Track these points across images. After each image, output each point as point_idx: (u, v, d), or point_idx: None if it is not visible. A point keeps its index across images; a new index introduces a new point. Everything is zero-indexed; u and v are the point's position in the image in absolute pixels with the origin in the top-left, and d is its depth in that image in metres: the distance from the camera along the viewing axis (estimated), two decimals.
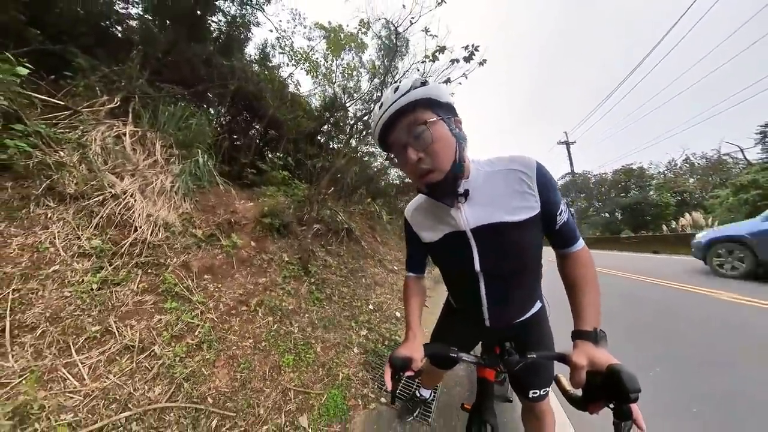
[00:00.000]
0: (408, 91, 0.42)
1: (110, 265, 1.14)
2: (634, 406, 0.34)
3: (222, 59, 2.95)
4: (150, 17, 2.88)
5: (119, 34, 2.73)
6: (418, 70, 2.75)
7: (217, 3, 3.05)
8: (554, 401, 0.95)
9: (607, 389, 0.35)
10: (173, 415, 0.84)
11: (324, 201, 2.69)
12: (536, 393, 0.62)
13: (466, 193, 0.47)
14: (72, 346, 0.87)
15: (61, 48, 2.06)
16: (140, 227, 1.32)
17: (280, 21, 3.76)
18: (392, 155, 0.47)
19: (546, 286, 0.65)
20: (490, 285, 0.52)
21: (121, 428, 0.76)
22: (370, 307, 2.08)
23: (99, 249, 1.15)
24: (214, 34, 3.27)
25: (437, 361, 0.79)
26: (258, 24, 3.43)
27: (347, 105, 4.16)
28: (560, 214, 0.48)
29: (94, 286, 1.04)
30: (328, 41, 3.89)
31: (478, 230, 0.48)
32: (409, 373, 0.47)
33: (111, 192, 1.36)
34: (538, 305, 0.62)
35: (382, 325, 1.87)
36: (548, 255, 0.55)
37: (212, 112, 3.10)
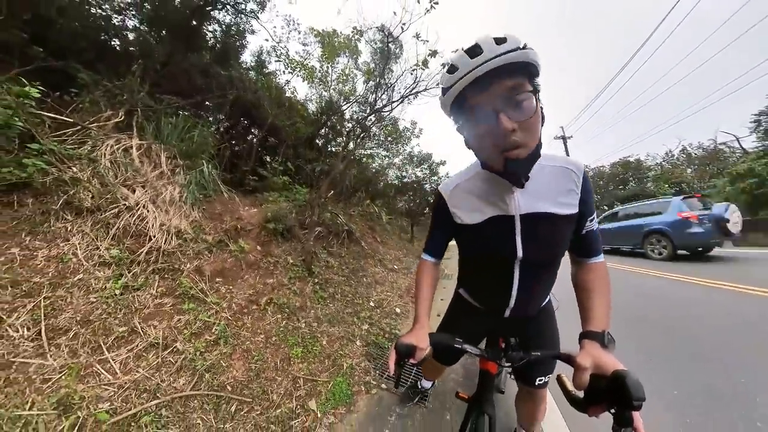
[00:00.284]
0: (517, 48, 0.35)
1: (129, 272, 1.23)
2: (635, 414, 0.32)
3: (219, 68, 3.01)
4: (147, 29, 2.93)
5: (118, 47, 2.79)
6: (411, 73, 2.81)
7: (211, 12, 3.10)
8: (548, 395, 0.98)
9: (610, 394, 0.34)
10: (197, 402, 0.95)
11: (324, 204, 2.77)
12: (542, 380, 0.64)
13: (527, 179, 0.45)
14: (103, 345, 0.97)
15: (63, 64, 2.13)
16: (154, 236, 1.41)
17: (275, 27, 3.79)
18: (467, 118, 0.41)
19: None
20: (524, 273, 0.52)
21: (152, 414, 0.86)
22: (371, 304, 2.18)
23: (118, 258, 1.25)
24: (210, 43, 3.32)
25: (440, 356, 0.78)
26: (253, 32, 3.49)
27: (343, 108, 4.22)
28: (591, 221, 0.49)
29: (117, 292, 1.14)
30: (322, 46, 3.94)
31: (526, 217, 0.48)
32: (412, 361, 0.47)
33: (125, 204, 1.45)
34: (548, 298, 0.64)
35: (383, 321, 1.97)
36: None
37: (211, 121, 3.16)
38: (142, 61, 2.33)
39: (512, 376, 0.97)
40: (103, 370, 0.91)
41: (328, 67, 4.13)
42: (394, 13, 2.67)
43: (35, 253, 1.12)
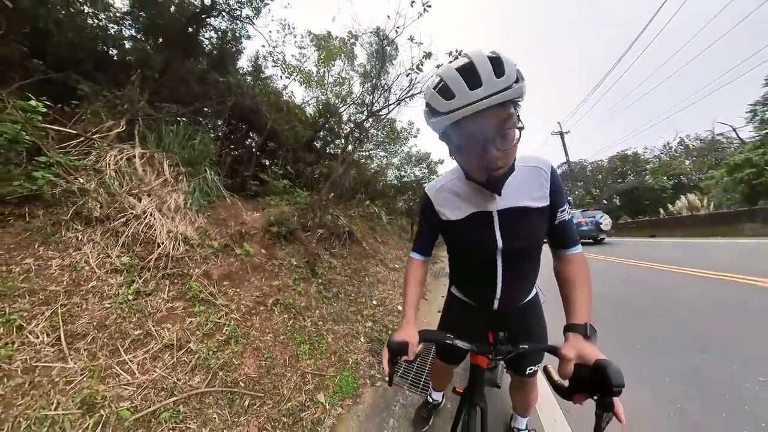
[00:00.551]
0: (513, 84, 0.37)
1: (140, 279, 1.28)
2: (616, 400, 0.35)
3: (217, 75, 3.04)
4: (143, 38, 2.95)
5: (116, 57, 2.81)
6: (407, 76, 2.85)
7: (207, 19, 3.12)
8: (543, 384, 1.03)
9: (592, 382, 0.36)
10: (212, 398, 1.00)
11: (326, 207, 2.81)
12: (532, 369, 0.69)
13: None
14: (120, 348, 1.01)
15: (63, 76, 2.15)
16: (162, 243, 1.45)
17: (270, 32, 3.82)
18: (456, 138, 0.43)
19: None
20: (506, 263, 0.56)
21: (171, 410, 0.91)
22: (374, 302, 2.23)
23: (129, 265, 1.29)
24: (207, 50, 3.34)
25: (443, 355, 0.79)
26: (249, 37, 3.51)
27: (341, 110, 4.25)
28: (561, 212, 0.53)
29: (130, 297, 1.18)
30: (318, 50, 3.97)
31: (504, 212, 0.53)
32: (406, 358, 0.49)
33: (132, 213, 1.49)
34: (534, 291, 0.68)
35: (385, 318, 2.03)
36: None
37: (211, 127, 3.19)
38: (140, 70, 2.36)
39: (507, 370, 1.01)
40: (122, 371, 0.96)
41: (324, 71, 4.16)
42: (388, 17, 2.71)
43: (49, 263, 1.16)
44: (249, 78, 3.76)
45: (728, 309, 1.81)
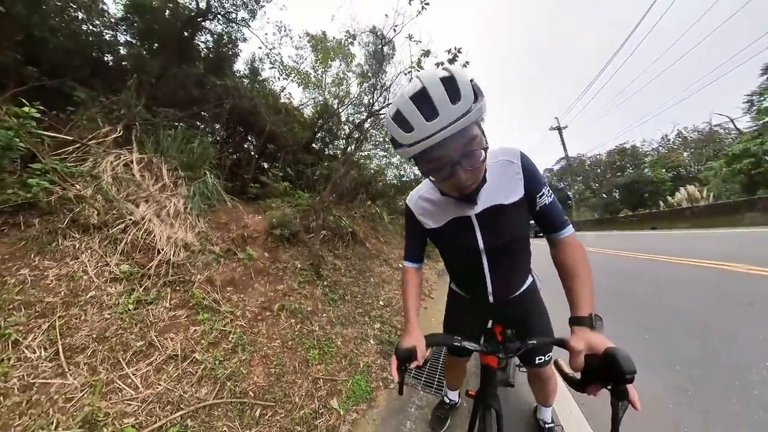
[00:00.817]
0: (470, 108, 0.36)
1: (141, 287, 1.23)
2: (630, 387, 0.34)
3: (214, 78, 3.01)
4: (139, 43, 2.93)
5: (111, 63, 2.78)
6: (406, 75, 2.83)
7: (203, 23, 3.10)
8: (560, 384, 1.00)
9: (604, 371, 0.36)
10: (221, 410, 0.95)
11: (328, 208, 2.78)
12: (541, 359, 0.69)
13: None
14: (122, 361, 0.97)
15: (58, 82, 2.12)
16: (162, 249, 1.41)
17: (266, 35, 3.81)
18: (425, 165, 0.43)
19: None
20: (492, 260, 0.58)
21: (178, 425, 0.86)
22: (381, 303, 2.19)
23: (128, 273, 1.25)
24: (203, 54, 3.32)
25: (453, 350, 0.80)
26: (245, 40, 3.49)
27: (339, 111, 4.23)
28: (540, 197, 0.53)
29: (131, 307, 1.14)
30: (315, 51, 3.96)
31: (481, 213, 0.54)
32: (415, 364, 0.48)
33: (131, 219, 1.45)
34: (530, 279, 0.70)
35: (393, 318, 1.99)
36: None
37: (209, 131, 3.16)
38: (136, 76, 2.33)
39: (521, 368, 0.99)
40: (124, 386, 0.91)
41: (322, 72, 4.15)
42: (386, 15, 2.70)
43: (46, 273, 1.12)
44: (246, 81, 3.74)
45: (729, 297, 1.82)
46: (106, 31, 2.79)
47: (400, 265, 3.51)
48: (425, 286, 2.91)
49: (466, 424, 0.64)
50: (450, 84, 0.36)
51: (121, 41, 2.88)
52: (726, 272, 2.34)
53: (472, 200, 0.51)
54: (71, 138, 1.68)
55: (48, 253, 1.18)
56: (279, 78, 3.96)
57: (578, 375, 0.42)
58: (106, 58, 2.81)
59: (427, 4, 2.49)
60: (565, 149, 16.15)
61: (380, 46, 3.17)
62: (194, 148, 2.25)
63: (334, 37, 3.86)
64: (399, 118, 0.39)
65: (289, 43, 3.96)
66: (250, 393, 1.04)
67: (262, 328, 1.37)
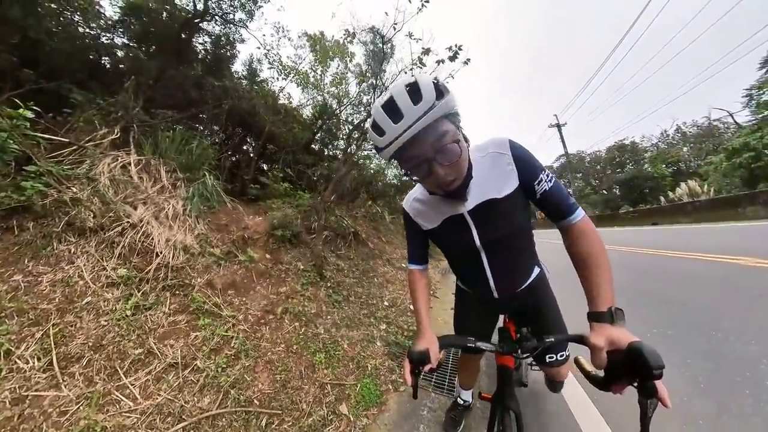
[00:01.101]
0: (433, 105, 0.38)
1: (139, 291, 1.19)
2: (658, 383, 0.32)
3: (212, 79, 2.99)
4: (136, 45, 2.91)
5: (109, 65, 2.76)
6: (406, 73, 2.81)
7: (200, 25, 3.08)
8: (575, 385, 1.02)
9: (629, 368, 0.34)
10: (225, 420, 0.90)
11: (329, 208, 2.75)
12: (552, 357, 0.66)
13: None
14: (119, 370, 0.92)
15: (55, 85, 2.09)
16: (161, 252, 1.36)
17: (264, 36, 3.79)
18: (406, 167, 0.45)
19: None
20: (491, 257, 0.57)
21: None
22: (386, 303, 2.15)
23: (126, 277, 1.20)
24: (201, 55, 3.31)
25: (466, 347, 0.80)
26: (243, 41, 3.48)
27: (338, 111, 4.21)
28: (539, 184, 0.50)
29: (128, 313, 1.09)
30: (314, 51, 3.94)
31: (474, 210, 0.53)
32: (429, 367, 0.48)
33: (128, 222, 1.40)
34: (537, 270, 0.67)
35: (399, 319, 1.94)
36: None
37: (208, 132, 3.13)
38: (134, 78, 2.30)
39: (533, 367, 0.97)
40: (122, 397, 0.86)
41: (321, 71, 4.13)
42: (386, 13, 2.67)
43: (40, 279, 1.07)
44: (245, 82, 3.73)
45: (738, 290, 1.80)
46: (104, 33, 2.77)
47: (404, 265, 3.53)
48: (430, 285, 2.86)
49: (481, 425, 0.64)
50: (413, 88, 0.40)
51: (119, 43, 2.87)
52: (733, 266, 2.31)
53: (460, 197, 0.50)
54: (67, 140, 1.64)
55: (42, 258, 1.14)
56: (278, 78, 3.95)
57: (601, 373, 0.39)
58: (103, 61, 2.79)
59: (427, 1, 2.47)
60: (564, 146, 16.17)
61: (380, 44, 3.15)
62: (193, 149, 2.22)
63: (333, 36, 3.85)
64: (374, 126, 0.43)
65: (288, 44, 3.95)
66: (256, 401, 0.99)
67: (265, 332, 1.32)
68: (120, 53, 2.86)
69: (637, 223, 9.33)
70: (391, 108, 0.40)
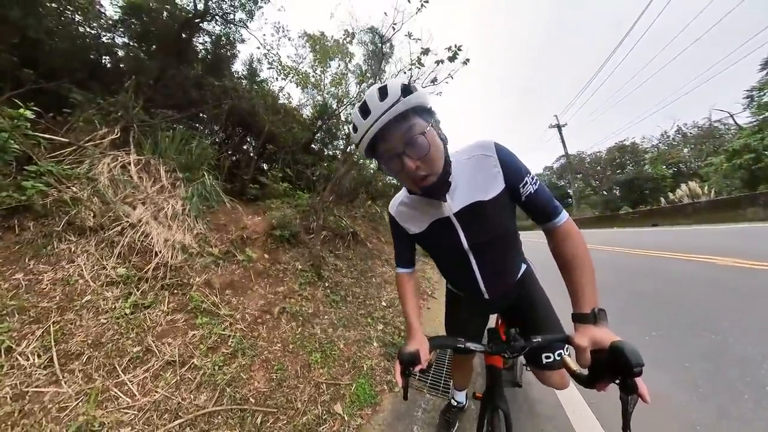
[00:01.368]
0: (398, 100, 0.41)
1: (138, 290, 1.20)
2: (638, 380, 0.34)
3: (212, 79, 3.00)
4: (137, 45, 2.92)
5: (109, 65, 2.77)
6: (405, 73, 2.81)
7: (201, 24, 3.09)
8: (570, 387, 0.96)
9: (611, 366, 0.36)
10: (221, 418, 0.92)
11: (328, 208, 2.76)
12: (549, 358, 0.65)
13: (449, 185, 0.51)
14: (118, 367, 0.94)
15: (55, 85, 2.11)
16: (160, 252, 1.38)
17: (264, 35, 3.80)
18: (381, 163, 0.47)
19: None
20: (479, 258, 0.58)
21: None
22: (383, 304, 2.16)
23: (125, 276, 1.22)
24: (201, 55, 3.31)
25: (457, 348, 0.81)
26: (243, 41, 3.48)
27: (338, 111, 4.22)
28: (524, 186, 0.50)
29: (127, 311, 1.11)
30: (314, 51, 3.94)
31: (460, 212, 0.53)
32: (420, 367, 0.48)
33: (128, 221, 1.42)
34: (524, 267, 0.69)
35: (396, 319, 1.95)
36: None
37: (208, 132, 3.14)
38: (134, 77, 2.32)
39: (527, 368, 0.96)
40: (120, 393, 0.88)
41: (321, 71, 4.14)
42: (385, 13, 2.68)
43: (40, 277, 1.09)
44: (245, 81, 3.73)
45: (737, 292, 1.80)
46: (104, 33, 2.78)
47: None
48: (428, 286, 2.87)
49: (475, 427, 0.63)
50: (382, 90, 0.43)
51: (119, 43, 2.87)
52: (733, 268, 2.31)
53: (437, 196, 0.50)
54: (67, 140, 1.66)
55: (43, 257, 1.16)
56: (277, 78, 3.96)
57: (585, 371, 0.41)
58: (103, 61, 2.80)
59: (427, 1, 2.47)
60: (564, 147, 16.15)
61: (379, 44, 3.15)
62: (193, 149, 2.23)
63: (332, 36, 3.86)
64: (352, 126, 0.48)
65: (288, 44, 3.95)
66: (251, 399, 1.01)
67: (262, 331, 1.34)
68: (120, 53, 2.88)
69: (637, 224, 9.30)
70: (363, 108, 0.44)
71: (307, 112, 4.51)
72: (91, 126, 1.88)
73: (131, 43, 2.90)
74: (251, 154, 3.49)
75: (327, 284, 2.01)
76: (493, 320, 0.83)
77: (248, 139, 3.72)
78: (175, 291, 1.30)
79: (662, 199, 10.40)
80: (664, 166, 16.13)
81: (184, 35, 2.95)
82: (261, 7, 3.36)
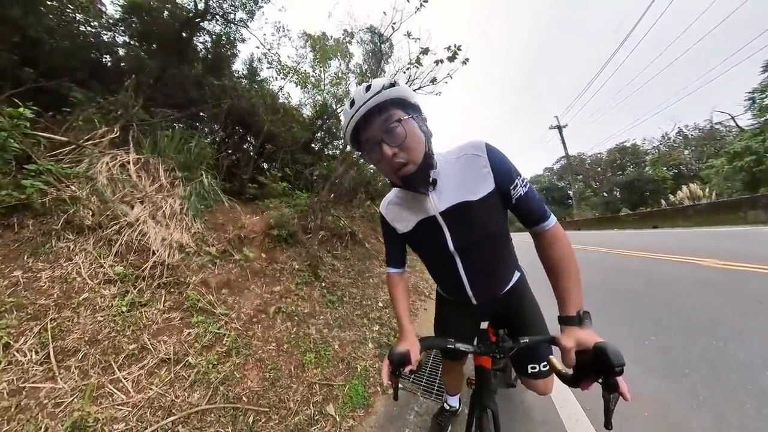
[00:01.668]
0: (379, 91, 0.44)
1: (135, 289, 1.22)
2: (620, 379, 0.35)
3: (212, 79, 3.01)
4: (137, 44, 2.93)
5: (109, 64, 2.79)
6: (404, 72, 2.81)
7: (201, 24, 3.10)
8: (565, 388, 0.97)
9: (595, 366, 0.37)
10: (213, 416, 0.93)
11: (327, 208, 2.76)
12: (535, 368, 0.65)
13: (434, 182, 0.52)
14: (113, 364, 0.95)
15: (55, 84, 2.12)
16: (157, 251, 1.39)
17: (264, 35, 3.81)
18: (365, 152, 0.50)
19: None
20: (465, 261, 0.57)
21: (169, 431, 0.85)
22: (380, 304, 2.16)
23: (122, 274, 1.23)
24: (201, 54, 3.32)
25: (446, 354, 0.80)
26: (243, 40, 3.49)
27: (338, 111, 4.22)
28: (514, 188, 0.50)
29: (124, 309, 1.12)
30: (314, 51, 3.95)
31: (447, 212, 0.53)
32: (410, 368, 0.49)
33: (126, 220, 1.43)
34: (517, 275, 0.67)
35: (393, 321, 1.96)
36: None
37: (208, 131, 3.15)
38: (134, 76, 2.33)
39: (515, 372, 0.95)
40: (115, 390, 0.89)
41: (320, 71, 4.15)
42: (384, 13, 2.68)
43: (39, 275, 1.10)
44: (245, 81, 3.74)
45: (739, 296, 1.78)
46: (104, 32, 2.79)
47: None
48: (425, 287, 2.88)
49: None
50: (368, 86, 0.47)
51: (120, 42, 2.89)
52: (734, 271, 2.29)
53: (415, 187, 0.51)
54: (67, 139, 1.67)
55: (42, 255, 1.17)
56: (277, 78, 3.97)
57: (570, 371, 0.43)
58: (104, 59, 2.81)
59: (426, 0, 2.47)
60: (565, 148, 16.10)
61: (378, 44, 3.15)
62: (192, 148, 2.24)
63: (332, 36, 3.86)
64: (342, 120, 0.51)
65: (288, 44, 3.96)
66: (244, 398, 1.02)
67: (257, 330, 1.35)
68: (121, 52, 2.89)
69: (638, 225, 9.24)
70: (351, 101, 0.48)
71: (307, 111, 4.51)
72: (91, 125, 1.89)
73: (132, 42, 2.92)
74: (250, 154, 3.50)
75: (324, 284, 2.02)
76: (484, 323, 0.82)
77: (248, 139, 3.73)
78: (172, 290, 1.31)
79: (663, 201, 10.38)
80: (665, 168, 16.08)
81: (184, 34, 2.96)
82: (261, 7, 3.37)
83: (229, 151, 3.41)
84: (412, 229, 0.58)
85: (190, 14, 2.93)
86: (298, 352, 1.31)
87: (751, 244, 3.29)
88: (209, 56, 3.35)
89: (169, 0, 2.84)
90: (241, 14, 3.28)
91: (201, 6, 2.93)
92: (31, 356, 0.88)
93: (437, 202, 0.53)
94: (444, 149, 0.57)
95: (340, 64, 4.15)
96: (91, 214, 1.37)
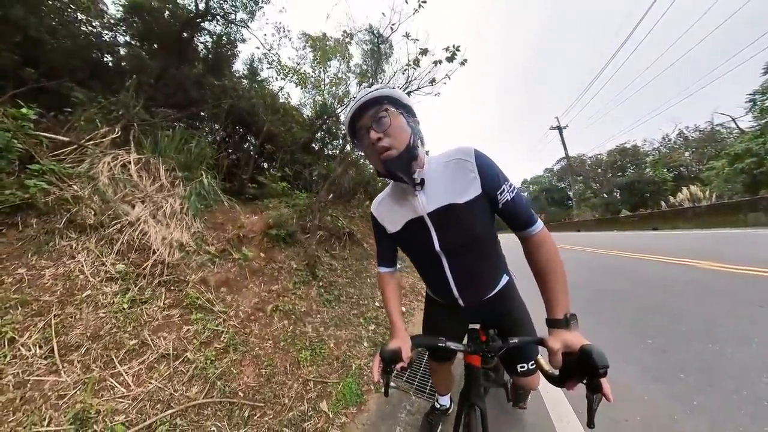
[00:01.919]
0: (379, 88, 0.52)
1: (136, 286, 1.25)
2: (603, 380, 0.37)
3: (213, 79, 3.03)
4: (138, 44, 2.95)
5: (111, 64, 2.81)
6: (403, 73, 2.83)
7: (202, 24, 3.11)
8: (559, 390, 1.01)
9: (580, 367, 0.39)
10: (210, 409, 0.96)
11: (325, 208, 2.78)
12: (523, 367, 0.67)
13: (422, 182, 0.54)
14: (115, 359, 0.98)
15: (57, 84, 2.14)
16: (158, 250, 1.42)
17: (265, 35, 3.81)
18: (357, 141, 0.55)
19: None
20: (452, 263, 0.58)
21: (167, 423, 0.88)
22: (376, 304, 2.18)
23: (124, 272, 1.26)
24: (202, 54, 3.34)
25: (434, 355, 0.80)
26: (243, 40, 3.50)
27: (338, 111, 4.24)
28: (501, 194, 0.52)
29: (125, 306, 1.15)
30: (314, 51, 3.96)
31: (434, 213, 0.54)
32: (401, 365, 0.50)
33: (127, 219, 1.46)
34: (505, 278, 0.67)
35: (388, 320, 1.99)
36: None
37: (208, 131, 3.18)
38: (135, 76, 2.35)
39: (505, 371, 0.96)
40: (116, 383, 0.93)
41: (320, 72, 4.16)
42: (383, 14, 2.69)
43: (42, 272, 1.14)
44: (245, 81, 3.76)
45: (738, 300, 1.77)
46: (105, 32, 2.81)
47: (398, 266, 3.49)
48: (422, 288, 2.91)
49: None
50: (369, 86, 0.56)
51: (120, 42, 2.90)
52: (733, 274, 2.27)
53: (398, 177, 0.52)
54: (68, 139, 1.70)
55: (45, 253, 1.20)
56: (277, 78, 3.98)
57: (557, 372, 0.44)
58: (105, 59, 2.83)
59: (425, 1, 2.48)
60: (565, 149, 16.05)
61: (377, 44, 3.16)
62: (192, 148, 2.26)
63: (331, 37, 3.87)
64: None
65: (288, 44, 3.97)
66: (240, 393, 1.05)
67: (254, 328, 1.38)
68: (122, 52, 2.91)
69: (638, 227, 9.20)
70: (355, 97, 0.54)
71: (306, 111, 4.53)
72: (92, 125, 1.92)
73: (132, 42, 2.93)
74: (250, 154, 3.52)
75: (321, 284, 2.04)
76: (468, 324, 0.85)
77: (248, 139, 3.75)
78: (172, 288, 1.34)
79: (663, 203, 10.36)
80: (666, 170, 16.03)
81: (185, 34, 2.97)
82: (262, 8, 3.38)
83: (229, 151, 3.43)
84: (401, 229, 0.60)
85: (191, 14, 2.94)
86: (294, 349, 1.34)
87: (752, 248, 3.23)
88: (210, 56, 3.37)
89: (170, 0, 2.86)
90: (241, 14, 3.29)
91: (202, 6, 2.95)
92: (36, 351, 0.92)
93: (425, 203, 0.55)
94: (436, 153, 0.59)
95: (340, 65, 4.17)
96: (92, 213, 1.40)
